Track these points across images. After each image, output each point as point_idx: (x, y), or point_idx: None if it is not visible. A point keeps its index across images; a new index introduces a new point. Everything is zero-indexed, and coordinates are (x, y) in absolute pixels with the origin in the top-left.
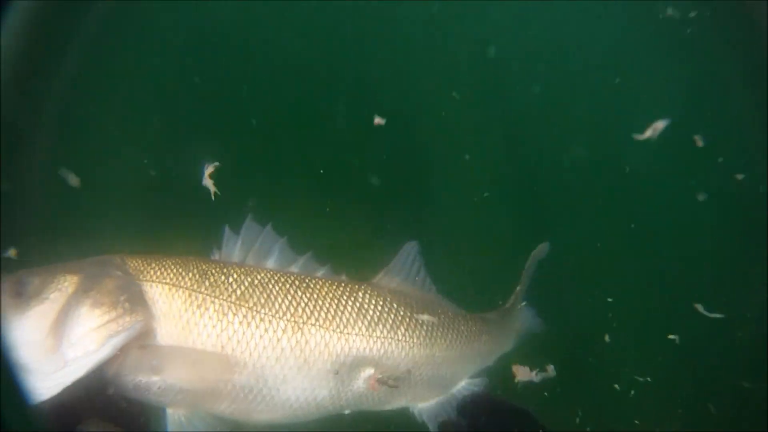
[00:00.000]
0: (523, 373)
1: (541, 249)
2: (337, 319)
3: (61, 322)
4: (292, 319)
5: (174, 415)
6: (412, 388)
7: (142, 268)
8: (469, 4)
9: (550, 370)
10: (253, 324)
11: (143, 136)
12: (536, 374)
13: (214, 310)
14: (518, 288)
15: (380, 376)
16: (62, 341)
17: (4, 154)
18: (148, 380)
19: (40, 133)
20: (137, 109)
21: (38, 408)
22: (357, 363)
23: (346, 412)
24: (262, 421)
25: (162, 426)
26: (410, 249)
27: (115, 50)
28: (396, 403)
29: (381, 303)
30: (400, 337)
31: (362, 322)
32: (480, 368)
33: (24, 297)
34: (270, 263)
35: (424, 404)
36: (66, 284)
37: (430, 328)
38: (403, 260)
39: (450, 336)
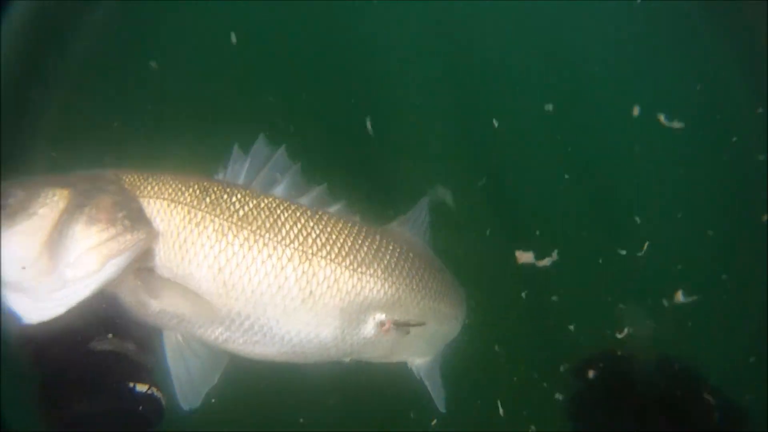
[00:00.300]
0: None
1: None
2: (351, 256)
3: (55, 241)
4: (300, 248)
5: (170, 337)
6: (416, 341)
7: (138, 183)
8: None
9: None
10: (255, 248)
11: None
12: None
13: (214, 230)
14: None
15: (397, 319)
16: (59, 261)
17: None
18: (145, 303)
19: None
20: None
21: (44, 327)
22: (368, 306)
23: (346, 360)
24: (258, 354)
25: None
26: (423, 204)
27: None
28: (398, 356)
29: (398, 250)
30: (414, 287)
31: (378, 265)
32: None
33: (7, 211)
34: (278, 190)
35: (422, 360)
36: (56, 198)
37: (440, 284)
38: (417, 214)
39: (452, 295)
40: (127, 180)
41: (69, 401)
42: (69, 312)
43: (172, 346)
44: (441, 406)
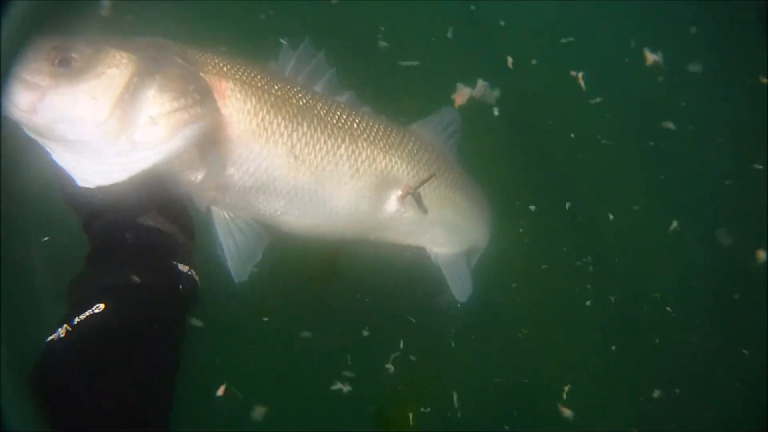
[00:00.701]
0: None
1: None
2: (383, 140)
3: (125, 103)
4: (349, 132)
5: (219, 214)
6: (434, 226)
7: (207, 61)
8: None
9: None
10: (318, 129)
11: None
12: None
13: (286, 112)
14: None
15: (411, 186)
16: (129, 123)
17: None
18: (205, 178)
19: None
20: None
21: (100, 195)
22: (393, 183)
23: (372, 237)
24: (307, 226)
25: (209, 224)
26: (450, 114)
27: None
28: (417, 238)
29: (419, 142)
30: (432, 171)
31: (404, 149)
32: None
33: (73, 68)
34: (318, 87)
35: (440, 250)
36: (125, 61)
37: (457, 178)
38: (439, 120)
39: (470, 192)
40: (194, 55)
41: (117, 269)
42: (123, 182)
43: (221, 222)
44: (459, 296)
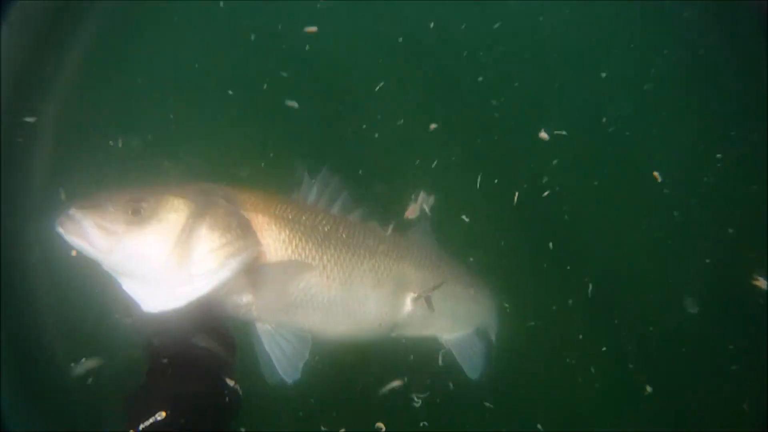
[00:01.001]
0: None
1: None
2: (395, 251)
3: (183, 241)
4: (368, 248)
5: (263, 328)
6: (441, 317)
7: (244, 199)
8: None
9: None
10: (343, 250)
11: None
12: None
13: (315, 238)
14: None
15: (424, 292)
16: (186, 258)
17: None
18: (250, 300)
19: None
20: None
21: (160, 319)
22: (407, 286)
23: (393, 334)
24: (339, 333)
25: (254, 339)
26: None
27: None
28: (430, 329)
29: (421, 248)
30: (434, 272)
31: (411, 256)
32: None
33: (142, 216)
34: (335, 209)
35: (450, 335)
36: (181, 206)
37: (453, 271)
38: (421, 227)
39: (467, 281)
40: (232, 194)
41: (175, 383)
42: (181, 308)
43: (266, 335)
44: (471, 374)
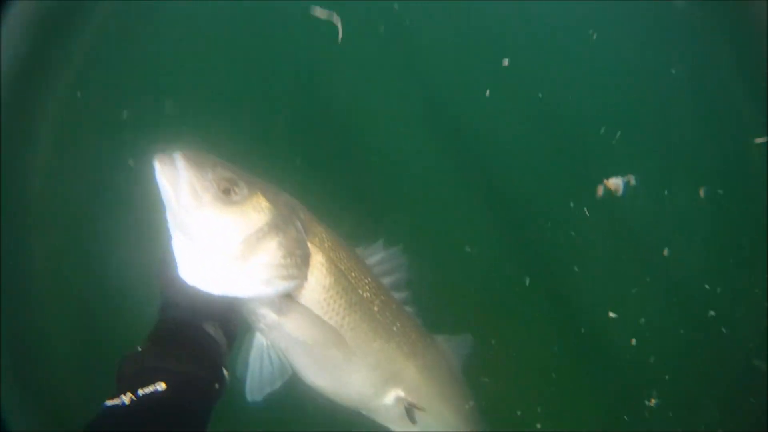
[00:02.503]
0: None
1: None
2: (408, 347)
3: (251, 242)
4: (389, 331)
5: (260, 339)
6: (413, 427)
7: (314, 231)
8: None
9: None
10: (366, 321)
11: None
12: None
13: (350, 298)
14: None
15: (410, 401)
16: (245, 257)
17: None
18: (267, 315)
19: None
20: None
21: (185, 292)
22: (395, 381)
23: (364, 412)
24: (316, 384)
25: (246, 341)
26: (466, 341)
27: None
28: (396, 428)
29: (436, 357)
30: (434, 387)
31: (421, 361)
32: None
33: (230, 199)
34: (386, 280)
35: None
36: (266, 211)
37: (456, 399)
38: (458, 343)
39: (463, 414)
40: (308, 221)
41: (182, 359)
42: (212, 293)
43: (258, 347)
44: None
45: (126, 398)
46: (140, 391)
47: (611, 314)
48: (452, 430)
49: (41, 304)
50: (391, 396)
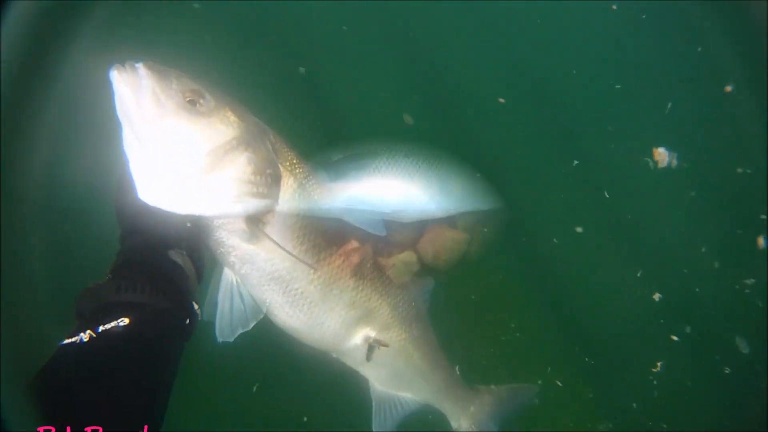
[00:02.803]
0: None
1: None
2: (382, 287)
3: (217, 155)
4: (363, 269)
5: (228, 276)
6: (381, 367)
7: (286, 155)
8: None
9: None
10: (341, 258)
11: None
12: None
13: (323, 232)
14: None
15: (378, 338)
16: (210, 172)
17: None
18: (237, 246)
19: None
20: None
21: (146, 216)
22: (368, 321)
23: (333, 355)
24: (290, 325)
25: (213, 278)
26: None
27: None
28: (366, 370)
29: (408, 301)
30: (405, 328)
31: (392, 301)
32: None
33: (196, 109)
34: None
35: (380, 387)
36: (234, 125)
37: (421, 338)
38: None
39: (431, 354)
40: (280, 145)
41: (145, 291)
42: (174, 213)
43: (227, 284)
44: (375, 427)
45: (85, 335)
46: (100, 328)
47: None
48: (419, 369)
49: (41, 304)
50: (360, 335)
